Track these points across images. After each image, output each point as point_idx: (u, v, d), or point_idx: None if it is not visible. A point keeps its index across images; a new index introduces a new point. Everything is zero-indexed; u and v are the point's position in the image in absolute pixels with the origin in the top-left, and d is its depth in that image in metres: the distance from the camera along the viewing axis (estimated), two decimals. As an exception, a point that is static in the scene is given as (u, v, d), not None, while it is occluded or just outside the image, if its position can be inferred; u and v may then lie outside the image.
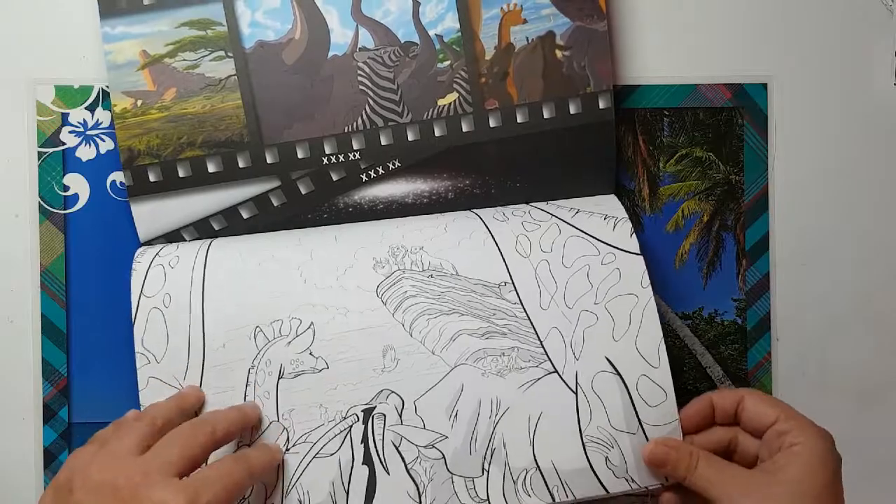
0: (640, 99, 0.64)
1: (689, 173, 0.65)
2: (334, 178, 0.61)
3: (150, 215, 0.60)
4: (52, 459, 0.62)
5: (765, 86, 0.65)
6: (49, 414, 0.62)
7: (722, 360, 0.65)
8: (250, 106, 0.60)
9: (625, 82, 0.64)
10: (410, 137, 0.61)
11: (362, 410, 0.54)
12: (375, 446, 0.53)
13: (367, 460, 0.53)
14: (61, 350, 0.62)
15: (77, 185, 0.62)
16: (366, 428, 0.54)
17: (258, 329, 0.55)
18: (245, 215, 0.61)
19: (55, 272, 0.62)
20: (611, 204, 0.61)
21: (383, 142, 0.61)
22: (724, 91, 0.64)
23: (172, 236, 0.60)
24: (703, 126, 0.65)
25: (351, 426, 0.54)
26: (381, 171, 0.61)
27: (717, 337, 0.65)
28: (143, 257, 0.57)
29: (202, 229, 0.61)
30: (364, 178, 0.61)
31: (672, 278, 0.65)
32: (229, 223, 0.61)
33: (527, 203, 0.62)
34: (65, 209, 0.62)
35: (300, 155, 0.60)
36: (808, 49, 0.65)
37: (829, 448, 0.49)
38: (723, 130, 0.65)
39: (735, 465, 0.51)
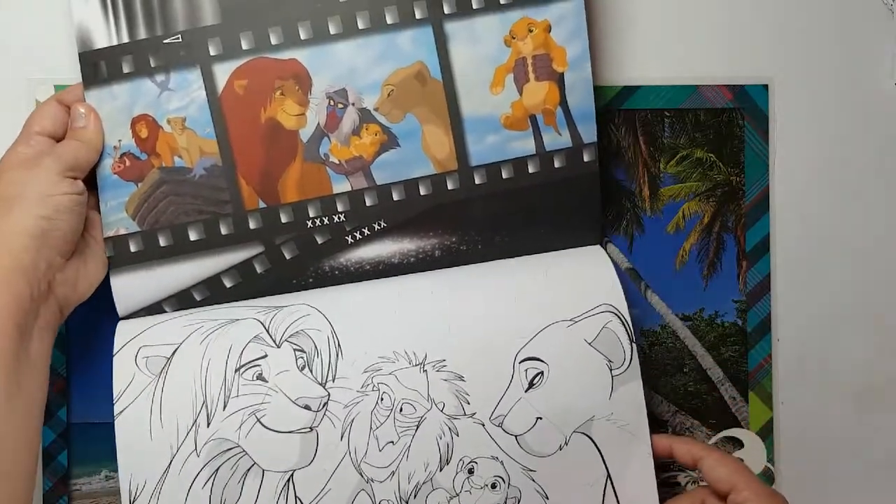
0: (641, 100, 0.64)
1: (689, 174, 0.65)
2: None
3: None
4: (51, 460, 0.62)
5: (765, 87, 0.65)
6: (48, 414, 0.61)
7: (722, 362, 0.65)
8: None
9: (625, 83, 0.64)
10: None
11: None
12: None
13: None
14: (60, 351, 0.61)
15: (76, 185, 0.61)
16: None
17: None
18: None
19: (54, 273, 0.61)
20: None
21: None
22: (724, 92, 0.64)
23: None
24: (703, 127, 0.65)
25: None
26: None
27: (717, 338, 0.65)
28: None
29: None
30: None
31: (672, 279, 0.65)
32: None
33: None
34: (64, 209, 0.61)
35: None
36: (808, 49, 0.65)
37: None
38: (723, 131, 0.65)
39: None
